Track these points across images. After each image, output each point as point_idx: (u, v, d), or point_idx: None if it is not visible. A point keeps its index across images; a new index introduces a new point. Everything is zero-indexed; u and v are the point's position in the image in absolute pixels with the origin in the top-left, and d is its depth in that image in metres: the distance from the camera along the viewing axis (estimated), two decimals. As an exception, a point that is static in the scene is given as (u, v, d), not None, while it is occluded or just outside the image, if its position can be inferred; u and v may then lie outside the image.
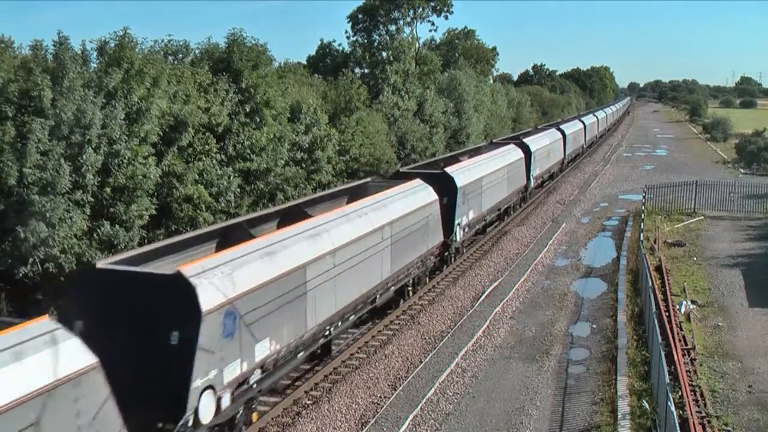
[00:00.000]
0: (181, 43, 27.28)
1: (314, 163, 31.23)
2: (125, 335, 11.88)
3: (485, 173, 30.53)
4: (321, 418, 15.07)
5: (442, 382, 17.13)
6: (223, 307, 12.59)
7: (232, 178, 25.23)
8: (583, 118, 74.28)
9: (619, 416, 14.88)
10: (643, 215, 34.39)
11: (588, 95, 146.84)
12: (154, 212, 21.89)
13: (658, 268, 25.99)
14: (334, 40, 53.97)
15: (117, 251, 19.81)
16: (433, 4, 55.67)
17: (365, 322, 20.69)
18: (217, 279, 12.74)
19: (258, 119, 27.17)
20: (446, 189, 25.65)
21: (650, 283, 20.83)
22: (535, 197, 44.10)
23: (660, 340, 16.41)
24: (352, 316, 18.54)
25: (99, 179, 20.14)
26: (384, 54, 48.27)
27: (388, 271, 20.13)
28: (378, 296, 19.87)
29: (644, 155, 73.57)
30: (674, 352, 17.00)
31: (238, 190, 26.03)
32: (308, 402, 15.89)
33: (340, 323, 17.72)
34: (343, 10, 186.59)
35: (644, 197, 38.81)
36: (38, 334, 9.23)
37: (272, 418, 15.05)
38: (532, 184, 42.42)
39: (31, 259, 18.43)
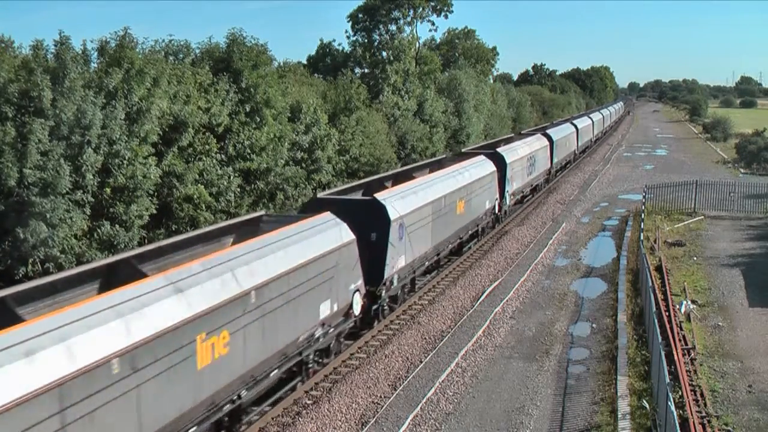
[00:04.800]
0: (181, 43, 27.31)
1: (314, 163, 31.25)
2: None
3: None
4: (321, 418, 15.06)
5: (442, 381, 17.13)
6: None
7: (232, 177, 25.25)
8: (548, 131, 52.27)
9: (619, 416, 14.88)
10: (643, 215, 34.38)
11: (588, 95, 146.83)
12: (154, 212, 21.91)
13: (658, 268, 25.99)
14: (334, 40, 54.04)
15: (117, 251, 19.83)
16: (433, 3, 55.70)
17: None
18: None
19: (258, 119, 27.19)
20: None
21: (650, 283, 20.82)
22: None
23: (660, 340, 16.41)
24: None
25: (99, 179, 20.15)
26: (384, 54, 48.27)
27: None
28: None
29: (644, 155, 73.58)
30: (674, 352, 17.00)
31: (238, 189, 26.05)
32: (308, 402, 15.89)
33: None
34: (343, 10, 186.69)
35: (644, 197, 38.81)
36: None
37: (272, 418, 15.04)
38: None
39: (31, 259, 18.44)
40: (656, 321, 17.22)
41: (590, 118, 77.65)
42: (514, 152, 37.55)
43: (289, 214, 21.30)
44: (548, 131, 51.03)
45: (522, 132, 55.09)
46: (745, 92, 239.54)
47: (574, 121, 65.99)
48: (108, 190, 20.57)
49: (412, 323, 21.09)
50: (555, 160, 49.98)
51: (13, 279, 18.11)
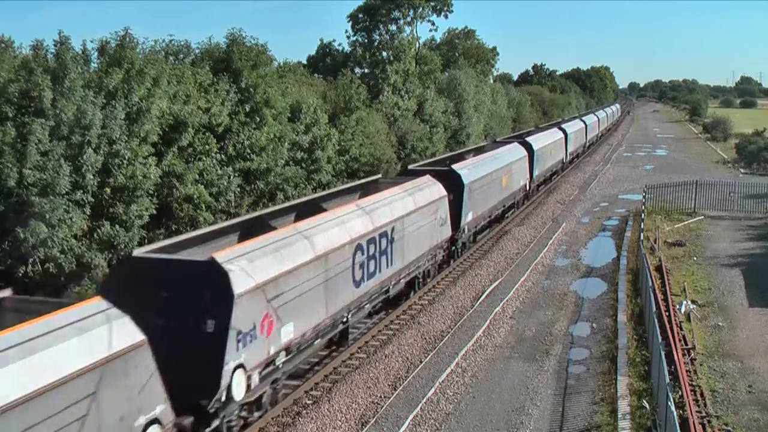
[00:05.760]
0: (181, 43, 27.34)
1: (314, 163, 31.26)
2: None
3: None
4: (321, 418, 15.06)
5: (442, 381, 17.12)
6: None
7: (232, 177, 25.25)
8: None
9: (619, 416, 14.88)
10: (643, 215, 34.38)
11: (588, 95, 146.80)
12: (154, 212, 21.91)
13: (658, 268, 25.98)
14: (334, 40, 54.00)
15: (117, 251, 19.84)
16: (433, 3, 55.60)
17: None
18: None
19: (258, 119, 27.20)
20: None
21: (650, 283, 20.82)
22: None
23: (660, 340, 16.41)
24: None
25: (99, 179, 20.15)
26: (384, 54, 48.25)
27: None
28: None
29: (644, 155, 73.58)
30: (674, 352, 16.99)
31: (238, 189, 26.06)
32: (308, 402, 15.89)
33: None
34: (343, 10, 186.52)
35: (644, 197, 38.81)
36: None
37: (272, 418, 15.04)
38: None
39: (30, 259, 18.45)
40: (656, 321, 17.22)
41: (562, 130, 55.81)
42: (331, 231, 17.39)
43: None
44: (458, 167, 27.80)
45: (409, 169, 28.14)
46: (745, 92, 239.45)
47: (530, 138, 43.66)
48: (108, 190, 20.57)
49: (412, 323, 21.08)
50: (468, 217, 27.48)
51: (13, 278, 18.13)
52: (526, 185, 39.55)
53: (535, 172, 42.03)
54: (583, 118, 74.12)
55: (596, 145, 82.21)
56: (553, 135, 51.68)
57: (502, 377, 17.55)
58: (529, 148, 40.76)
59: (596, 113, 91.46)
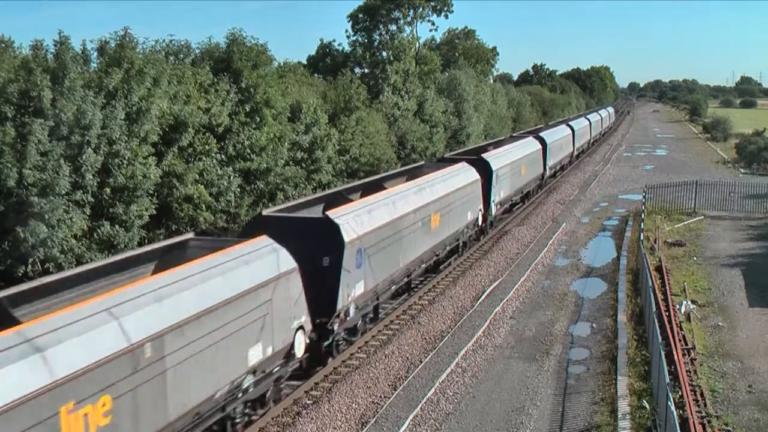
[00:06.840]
0: (181, 43, 27.34)
1: (314, 163, 31.26)
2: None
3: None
4: (321, 418, 15.05)
5: (442, 382, 17.12)
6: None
7: (232, 177, 25.25)
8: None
9: (619, 416, 14.88)
10: (643, 215, 34.38)
11: (588, 95, 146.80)
12: (154, 212, 21.90)
13: (658, 268, 25.98)
14: (334, 40, 54.03)
15: (117, 251, 19.83)
16: (433, 3, 55.65)
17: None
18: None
19: (258, 119, 27.20)
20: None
21: (650, 283, 20.81)
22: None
23: (660, 340, 16.40)
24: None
25: (99, 179, 20.14)
26: (384, 54, 48.29)
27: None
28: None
29: (644, 155, 73.57)
30: (674, 352, 16.99)
31: (238, 189, 26.07)
32: (308, 402, 15.88)
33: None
34: (343, 10, 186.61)
35: (644, 197, 38.81)
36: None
37: (272, 418, 15.04)
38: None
39: (30, 259, 18.45)
40: (656, 321, 17.22)
41: (482, 163, 30.96)
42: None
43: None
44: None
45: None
46: (745, 92, 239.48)
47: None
48: (108, 190, 20.57)
49: (412, 323, 21.08)
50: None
51: (13, 278, 18.13)
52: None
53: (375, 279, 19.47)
54: (543, 134, 47.05)
55: (563, 177, 54.23)
56: (437, 187, 24.85)
57: (502, 377, 17.55)
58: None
59: (570, 123, 62.47)
